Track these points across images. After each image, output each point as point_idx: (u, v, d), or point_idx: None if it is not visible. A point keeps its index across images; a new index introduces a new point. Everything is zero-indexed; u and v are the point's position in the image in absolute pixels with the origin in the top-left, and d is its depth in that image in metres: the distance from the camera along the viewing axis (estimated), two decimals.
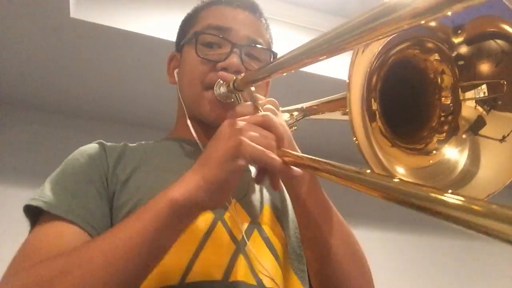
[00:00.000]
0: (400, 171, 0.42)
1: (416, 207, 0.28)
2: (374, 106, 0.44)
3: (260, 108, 0.61)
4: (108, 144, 0.72)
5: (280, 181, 0.60)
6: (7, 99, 2.31)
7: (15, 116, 2.36)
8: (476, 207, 0.23)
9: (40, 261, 0.51)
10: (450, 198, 0.25)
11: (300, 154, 0.54)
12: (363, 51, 0.40)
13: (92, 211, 0.61)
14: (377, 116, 0.44)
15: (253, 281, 0.59)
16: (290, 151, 0.55)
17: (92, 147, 0.70)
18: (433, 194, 0.27)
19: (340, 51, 0.35)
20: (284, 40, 1.92)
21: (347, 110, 0.40)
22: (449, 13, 0.22)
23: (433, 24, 0.42)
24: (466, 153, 0.43)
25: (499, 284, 2.90)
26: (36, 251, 0.55)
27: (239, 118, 0.57)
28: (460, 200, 0.24)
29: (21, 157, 2.29)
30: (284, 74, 0.51)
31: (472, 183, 0.40)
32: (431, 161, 0.44)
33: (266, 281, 0.60)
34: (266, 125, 0.56)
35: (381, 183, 0.32)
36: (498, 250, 2.84)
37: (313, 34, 2.16)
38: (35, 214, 0.61)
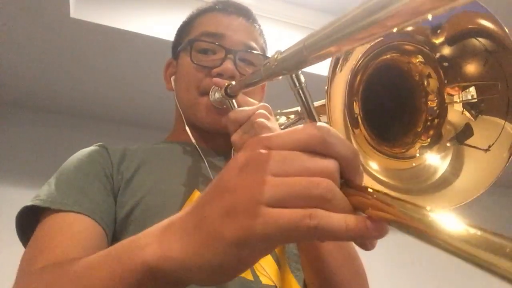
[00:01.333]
0: (374, 167, 0.40)
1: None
2: (356, 110, 0.42)
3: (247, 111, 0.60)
4: (109, 146, 0.73)
5: None
6: (7, 99, 2.31)
7: (15, 116, 2.36)
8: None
9: (39, 269, 0.50)
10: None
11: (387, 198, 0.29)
12: (344, 64, 0.39)
13: (99, 203, 0.61)
14: (360, 121, 0.42)
15: (250, 277, 0.60)
16: (355, 190, 0.31)
17: (93, 148, 0.71)
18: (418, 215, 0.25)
19: (329, 56, 0.33)
20: (284, 40, 1.93)
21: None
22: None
23: (409, 28, 0.41)
24: (448, 160, 0.41)
25: (499, 284, 2.90)
26: (49, 240, 0.54)
27: (263, 138, 0.33)
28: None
29: (21, 157, 2.29)
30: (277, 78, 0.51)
31: (448, 190, 0.39)
32: (413, 164, 0.42)
33: (263, 279, 0.61)
34: (326, 149, 0.31)
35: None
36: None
37: None
38: (36, 215, 0.60)
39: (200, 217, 0.32)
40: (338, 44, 0.29)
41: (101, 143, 0.73)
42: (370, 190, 0.30)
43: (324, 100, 0.39)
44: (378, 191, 0.29)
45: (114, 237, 0.62)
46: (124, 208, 0.63)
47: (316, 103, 0.58)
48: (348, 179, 0.31)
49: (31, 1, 1.63)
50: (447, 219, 0.23)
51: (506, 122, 0.39)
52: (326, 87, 0.37)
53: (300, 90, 0.37)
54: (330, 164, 0.30)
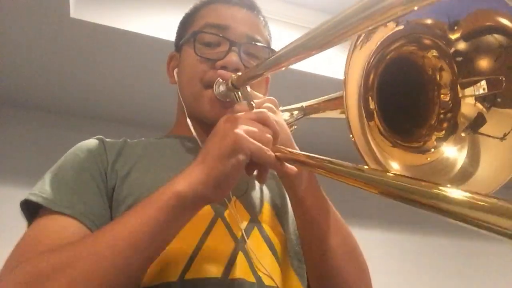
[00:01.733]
0: (395, 167, 0.42)
1: (415, 203, 0.27)
2: (372, 105, 0.43)
3: (254, 106, 0.61)
4: (108, 140, 0.72)
5: (272, 173, 0.63)
6: (7, 99, 2.31)
7: (15, 116, 2.36)
8: (479, 202, 0.23)
9: (41, 253, 0.51)
10: (452, 193, 0.25)
11: (293, 150, 0.54)
12: (361, 48, 0.39)
13: (92, 206, 0.61)
14: (375, 114, 0.43)
15: (252, 279, 0.59)
16: (285, 148, 0.56)
17: (91, 142, 0.70)
18: (433, 190, 0.26)
19: (334, 43, 0.35)
20: (284, 40, 1.93)
21: (344, 108, 0.39)
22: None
23: (428, 21, 0.42)
24: (465, 151, 0.42)
25: (500, 284, 2.90)
26: (36, 243, 0.55)
27: (236, 114, 0.57)
28: (463, 196, 0.24)
29: (21, 157, 2.29)
30: (283, 68, 0.51)
31: (470, 182, 0.40)
32: (428, 159, 0.43)
33: (265, 279, 0.61)
34: (262, 122, 0.56)
35: (379, 178, 0.32)
36: (499, 250, 2.84)
37: None
38: (33, 209, 0.60)
39: (205, 152, 0.55)
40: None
41: (99, 136, 0.72)
42: (287, 149, 0.55)
43: (341, 92, 0.40)
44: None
45: None
46: (122, 206, 0.63)
47: (333, 95, 0.62)
48: (275, 142, 0.56)
49: (31, 1, 1.63)
50: None
51: None
52: (343, 78, 0.39)
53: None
54: (265, 129, 0.56)
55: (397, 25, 0.42)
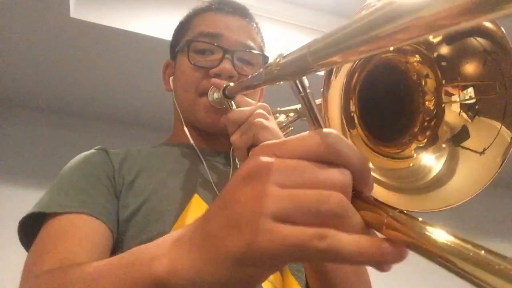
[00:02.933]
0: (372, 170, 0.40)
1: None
2: (353, 110, 0.41)
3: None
4: (109, 149, 0.73)
5: None
6: (7, 99, 2.31)
7: (15, 116, 2.36)
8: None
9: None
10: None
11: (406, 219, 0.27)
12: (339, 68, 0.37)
13: (104, 204, 0.61)
14: (356, 121, 0.41)
15: None
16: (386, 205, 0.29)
17: (93, 152, 0.71)
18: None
19: (334, 66, 0.33)
20: (284, 40, 1.93)
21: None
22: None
23: None
24: (443, 161, 0.40)
25: None
26: (56, 243, 0.54)
27: (263, 160, 0.29)
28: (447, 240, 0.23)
29: (21, 157, 2.29)
30: (280, 83, 0.50)
31: (441, 190, 0.38)
32: (408, 164, 0.42)
33: (263, 282, 0.60)
34: (336, 157, 0.28)
35: None
36: (499, 250, 2.83)
37: (313, 34, 2.16)
38: (40, 220, 0.59)
39: (206, 231, 0.30)
40: (344, 54, 0.27)
41: (100, 146, 0.73)
42: (383, 205, 0.27)
43: (320, 100, 0.38)
44: (392, 207, 0.27)
45: (116, 238, 0.62)
46: (126, 211, 0.63)
47: None
48: (358, 191, 0.29)
49: (31, 1, 1.63)
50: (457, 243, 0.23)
51: (502, 126, 0.38)
52: (322, 88, 0.37)
53: (304, 97, 0.34)
54: (342, 176, 0.27)
55: None
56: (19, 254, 0.57)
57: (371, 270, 0.65)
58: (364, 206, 0.28)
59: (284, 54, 0.38)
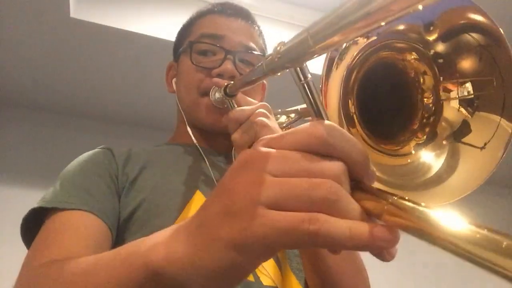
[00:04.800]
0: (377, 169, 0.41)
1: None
2: (352, 109, 0.41)
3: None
4: (114, 148, 0.73)
5: None
6: (7, 99, 2.31)
7: (15, 116, 2.36)
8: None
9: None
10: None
11: (407, 203, 0.27)
12: (337, 68, 0.37)
13: (105, 202, 0.61)
14: (355, 119, 0.42)
15: (251, 278, 0.60)
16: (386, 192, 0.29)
17: (98, 150, 0.72)
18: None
19: (334, 46, 0.32)
20: (284, 40, 1.92)
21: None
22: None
23: (401, 27, 0.40)
24: (443, 157, 0.41)
25: (499, 284, 2.89)
26: (56, 238, 0.54)
27: (261, 150, 0.30)
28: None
29: (21, 157, 2.29)
30: (277, 75, 0.50)
31: (441, 186, 0.39)
32: (407, 161, 0.42)
33: (263, 279, 0.61)
34: (329, 149, 0.29)
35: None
36: None
37: None
38: (42, 217, 0.59)
39: (202, 218, 0.31)
40: (343, 32, 0.27)
41: (105, 145, 0.73)
42: (385, 193, 0.27)
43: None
44: (394, 194, 0.27)
45: (117, 237, 0.62)
46: (127, 208, 0.64)
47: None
48: (359, 181, 0.30)
49: (31, 1, 1.63)
50: (458, 222, 0.23)
51: (502, 119, 0.38)
52: (320, 86, 0.37)
53: (305, 85, 0.34)
54: (334, 165, 0.28)
55: (368, 39, 0.39)
56: (19, 254, 0.57)
57: (369, 271, 0.66)
58: (364, 196, 0.28)
59: (285, 42, 0.37)
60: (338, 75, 0.38)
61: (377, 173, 0.38)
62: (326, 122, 0.30)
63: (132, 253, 0.35)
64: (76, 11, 1.74)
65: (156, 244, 0.33)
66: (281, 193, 0.27)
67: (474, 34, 0.38)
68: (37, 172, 2.17)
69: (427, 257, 2.80)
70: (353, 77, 0.41)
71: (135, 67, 2.05)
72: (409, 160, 0.42)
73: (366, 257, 0.66)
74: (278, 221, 0.26)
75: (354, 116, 0.41)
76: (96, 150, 0.71)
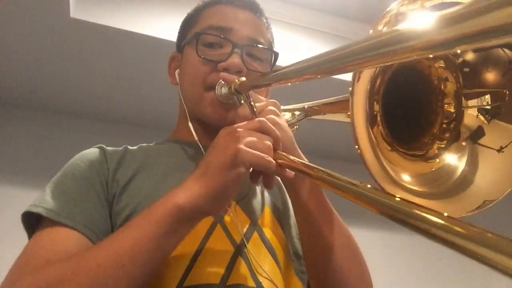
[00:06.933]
0: (406, 178, 0.42)
1: (407, 225, 0.29)
2: (376, 109, 0.43)
3: (256, 112, 0.62)
4: (109, 148, 0.72)
5: (275, 179, 0.65)
6: (7, 99, 2.31)
7: (15, 116, 2.36)
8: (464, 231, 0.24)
9: (42, 266, 0.51)
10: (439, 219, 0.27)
11: (294, 158, 0.55)
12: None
13: (93, 217, 0.60)
14: (378, 119, 0.44)
15: (252, 284, 0.59)
16: (286, 155, 0.56)
17: (92, 151, 0.70)
18: (424, 214, 0.28)
19: (342, 72, 0.35)
20: (284, 40, 1.92)
21: (348, 113, 0.39)
22: (458, 51, 0.22)
23: None
24: (465, 159, 0.43)
25: (499, 284, 2.90)
26: (37, 256, 0.55)
27: (235, 125, 0.58)
28: (447, 222, 0.26)
29: (21, 157, 2.29)
30: (288, 84, 0.51)
31: (470, 189, 0.40)
32: (432, 168, 0.44)
33: (265, 284, 0.60)
34: (264, 130, 0.57)
35: (373, 197, 0.33)
36: None
37: (314, 34, 2.16)
38: (35, 220, 0.60)
39: (205, 164, 0.54)
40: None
41: (100, 145, 0.72)
42: (288, 156, 0.55)
43: (348, 95, 0.40)
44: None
45: None
46: (121, 215, 0.62)
47: (340, 97, 0.63)
48: (276, 148, 0.57)
49: (31, 1, 1.63)
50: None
51: None
52: (350, 87, 0.39)
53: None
54: (266, 137, 0.56)
55: None
56: (19, 254, 0.57)
57: (371, 271, 0.66)
58: (277, 155, 0.57)
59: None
60: (366, 75, 0.40)
61: (413, 185, 0.42)
62: (261, 118, 0.59)
63: (156, 205, 0.52)
64: (76, 11, 1.74)
65: (174, 193, 0.53)
66: (247, 142, 0.54)
67: (507, 51, 0.40)
68: (37, 172, 2.16)
69: (427, 257, 2.81)
70: (380, 79, 0.43)
71: (135, 67, 2.05)
72: (434, 166, 0.45)
73: (368, 258, 0.67)
74: (247, 151, 0.53)
75: (378, 116, 0.44)
76: (90, 151, 0.70)
